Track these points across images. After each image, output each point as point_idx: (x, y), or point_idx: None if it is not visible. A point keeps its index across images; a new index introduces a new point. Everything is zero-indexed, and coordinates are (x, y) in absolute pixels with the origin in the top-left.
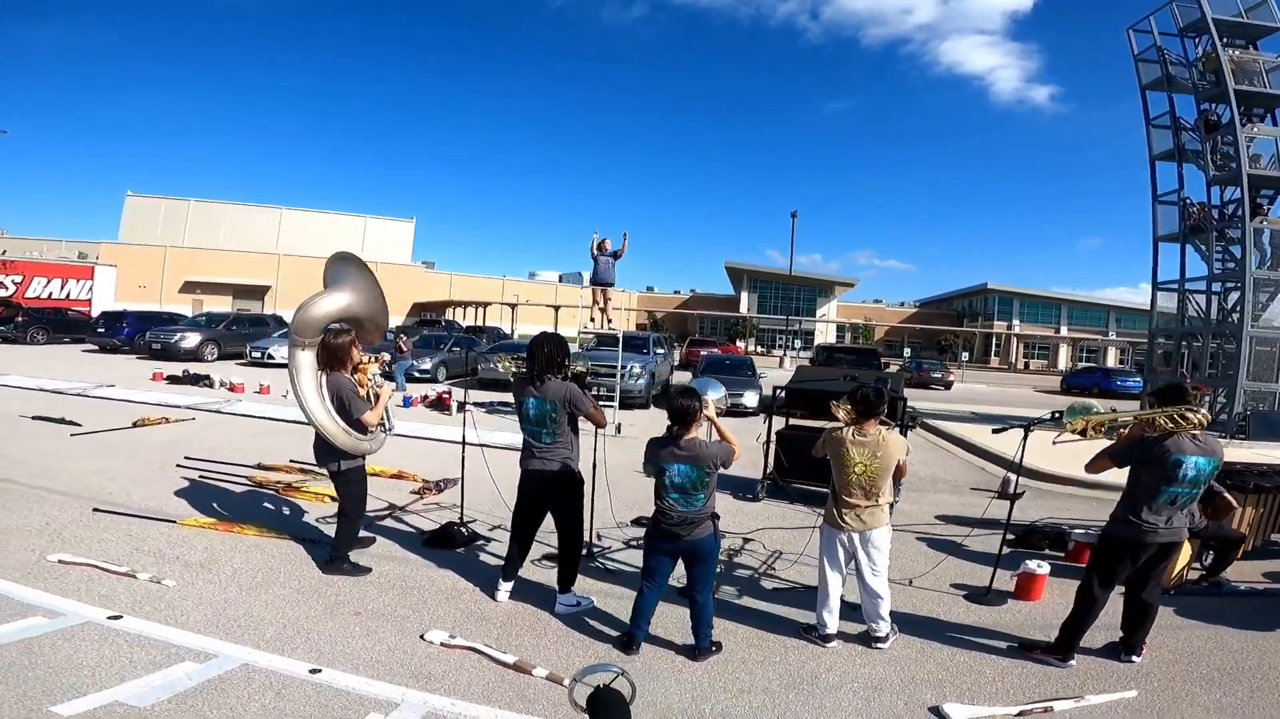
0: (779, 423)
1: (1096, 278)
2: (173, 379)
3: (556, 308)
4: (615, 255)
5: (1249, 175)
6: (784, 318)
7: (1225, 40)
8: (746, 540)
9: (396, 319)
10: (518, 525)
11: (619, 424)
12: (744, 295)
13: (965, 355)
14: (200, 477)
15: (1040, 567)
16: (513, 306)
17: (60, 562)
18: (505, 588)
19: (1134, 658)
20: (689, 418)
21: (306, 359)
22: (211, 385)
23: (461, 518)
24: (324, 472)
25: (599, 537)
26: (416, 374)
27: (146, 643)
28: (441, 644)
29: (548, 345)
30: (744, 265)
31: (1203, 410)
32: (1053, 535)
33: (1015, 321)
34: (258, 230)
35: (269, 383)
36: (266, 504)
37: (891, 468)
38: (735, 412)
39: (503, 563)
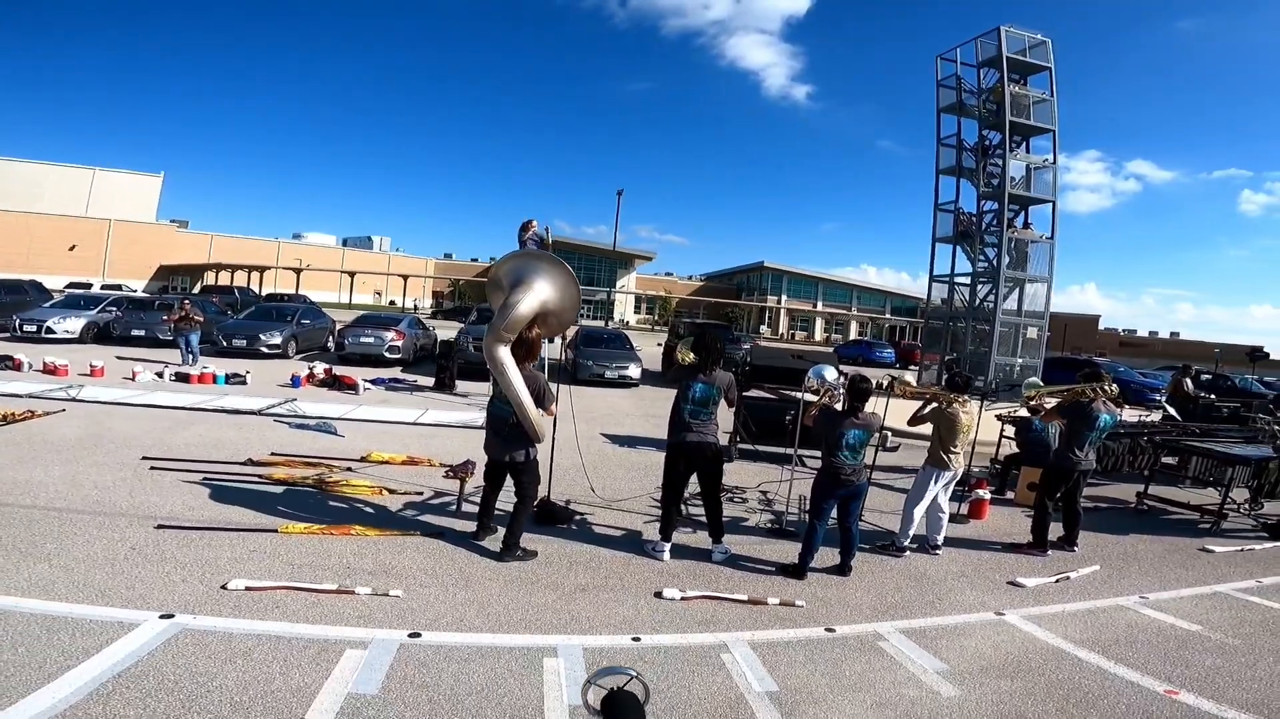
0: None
1: (833, 258)
2: None
3: (352, 274)
4: (541, 240)
5: (1008, 194)
6: (588, 288)
7: (1011, 76)
8: (764, 492)
9: (140, 282)
10: (676, 490)
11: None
12: None
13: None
14: (204, 479)
15: (985, 493)
16: (297, 272)
17: (248, 589)
18: (666, 547)
19: (1074, 548)
20: (868, 396)
21: (508, 353)
22: (19, 368)
23: (549, 494)
24: (339, 463)
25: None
26: (264, 350)
27: (501, 651)
28: (682, 599)
29: (719, 341)
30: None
31: (1113, 384)
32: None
33: (784, 297)
34: None
35: (62, 361)
36: (321, 503)
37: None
38: (622, 383)
39: (661, 523)
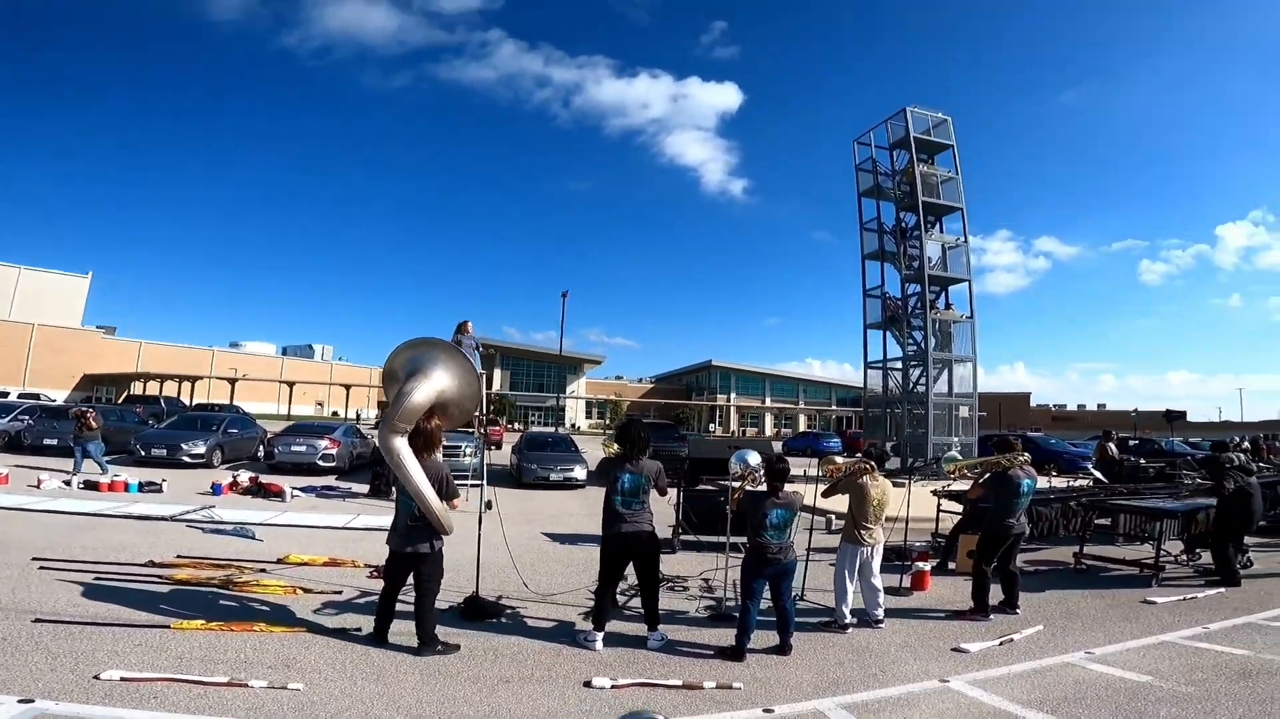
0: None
1: (779, 353)
2: None
3: (291, 384)
4: (477, 346)
5: (928, 275)
6: (538, 394)
7: (919, 155)
8: (706, 580)
9: (62, 391)
10: (611, 579)
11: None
12: (496, 372)
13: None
14: (97, 578)
15: (925, 565)
16: (232, 382)
17: (124, 679)
18: (599, 637)
19: (1016, 610)
20: (785, 476)
21: (405, 444)
22: None
23: (478, 591)
24: (252, 565)
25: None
26: (186, 459)
27: None
28: (612, 687)
29: (641, 430)
30: (497, 342)
31: (1026, 454)
32: (900, 550)
33: (733, 394)
34: None
35: None
36: (226, 603)
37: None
38: (568, 485)
39: (591, 615)
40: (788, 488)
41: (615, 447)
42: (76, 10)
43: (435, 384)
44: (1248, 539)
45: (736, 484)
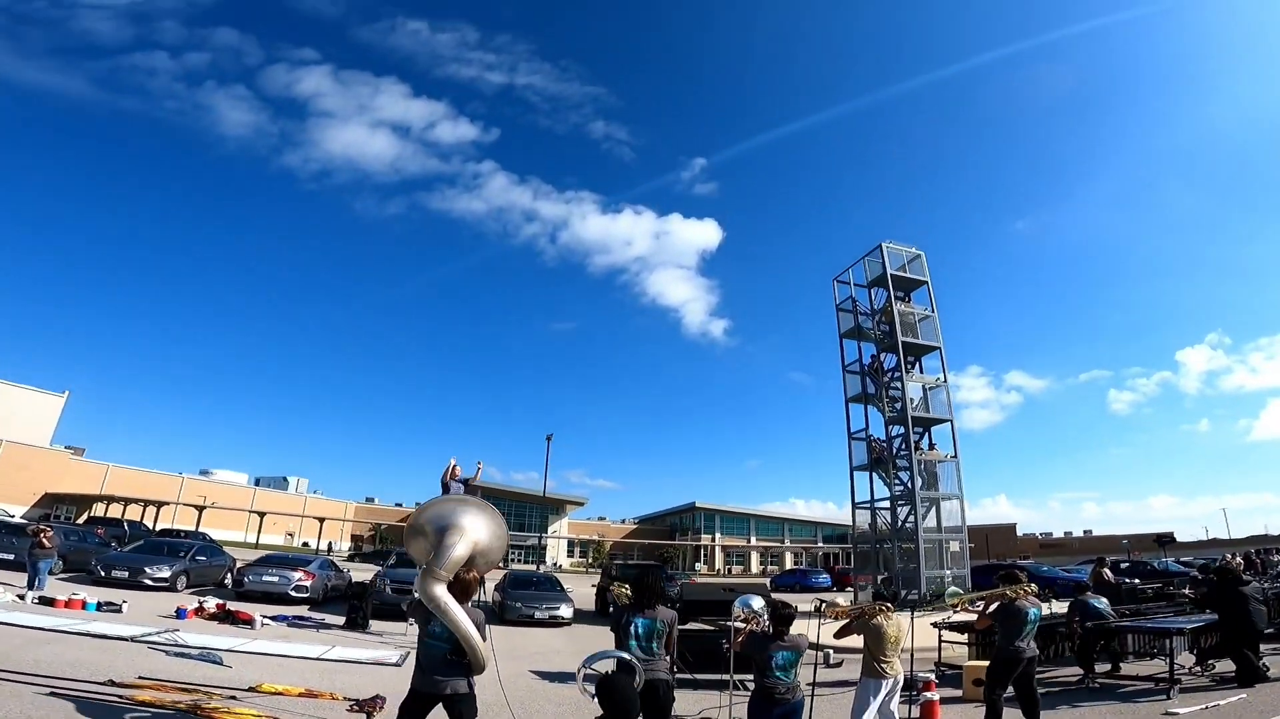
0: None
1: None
2: None
3: (261, 515)
4: (466, 483)
5: (911, 416)
6: (520, 533)
7: (896, 293)
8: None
9: (21, 507)
10: None
11: None
12: None
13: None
14: (51, 692)
15: (934, 695)
16: (199, 509)
17: None
18: None
19: None
20: (790, 621)
21: (446, 591)
22: None
23: None
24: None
25: None
26: (149, 583)
27: None
28: None
29: (659, 579)
30: (478, 482)
31: (1031, 585)
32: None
33: (718, 534)
34: None
35: None
36: None
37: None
38: (553, 623)
39: None
40: (792, 631)
41: (628, 591)
42: (91, 120)
43: (472, 536)
44: (1262, 646)
45: (741, 626)
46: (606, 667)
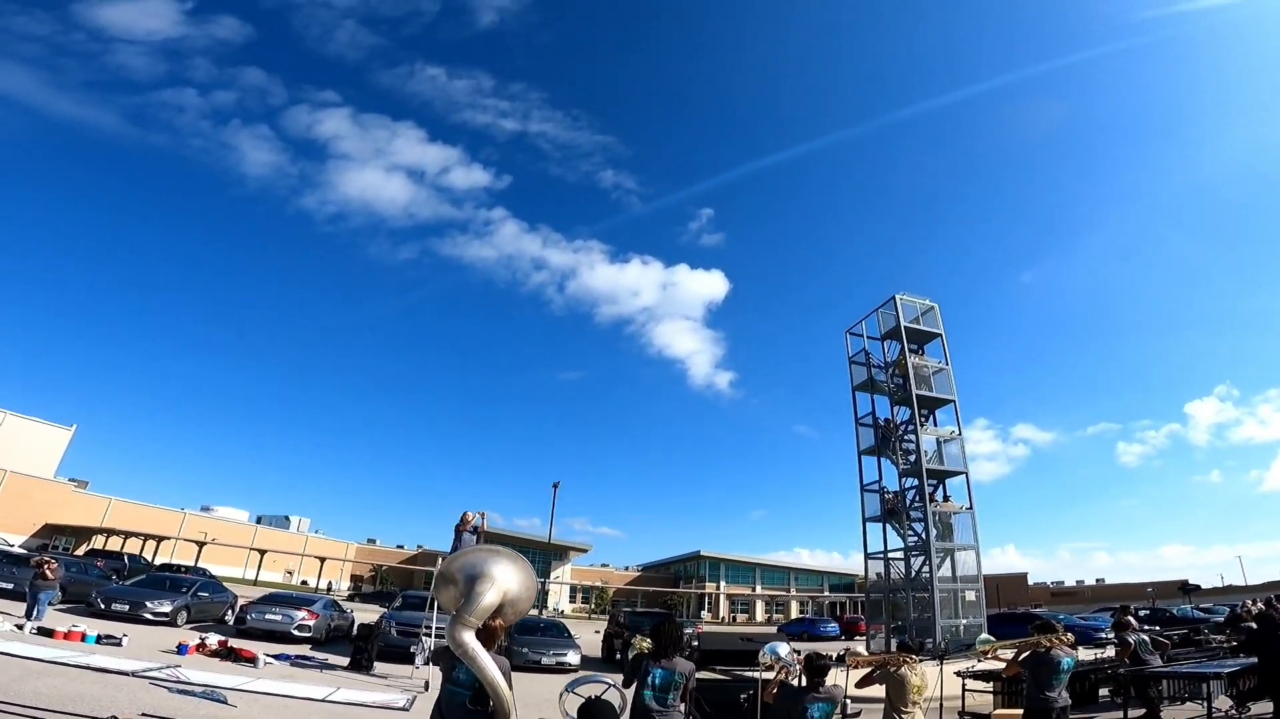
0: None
1: (766, 543)
2: None
3: (262, 552)
4: (475, 531)
5: (925, 469)
6: None
7: (910, 346)
8: None
9: (20, 537)
10: None
11: (427, 682)
12: None
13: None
14: None
15: None
16: (199, 544)
17: None
18: None
19: None
20: (826, 672)
21: (473, 637)
22: None
23: None
24: None
25: None
26: (149, 617)
27: None
28: None
29: (678, 629)
30: (486, 529)
31: (1068, 634)
32: None
33: (723, 583)
34: None
35: None
36: None
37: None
38: (560, 669)
39: None
40: (827, 681)
41: (646, 642)
42: (121, 154)
43: (503, 585)
44: None
45: (770, 675)
46: (593, 691)
